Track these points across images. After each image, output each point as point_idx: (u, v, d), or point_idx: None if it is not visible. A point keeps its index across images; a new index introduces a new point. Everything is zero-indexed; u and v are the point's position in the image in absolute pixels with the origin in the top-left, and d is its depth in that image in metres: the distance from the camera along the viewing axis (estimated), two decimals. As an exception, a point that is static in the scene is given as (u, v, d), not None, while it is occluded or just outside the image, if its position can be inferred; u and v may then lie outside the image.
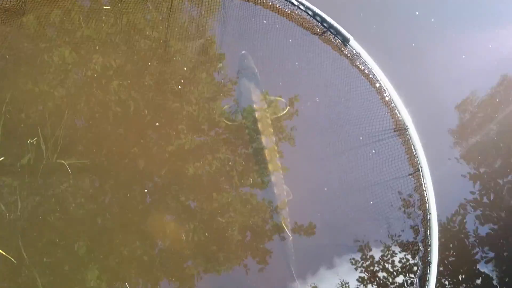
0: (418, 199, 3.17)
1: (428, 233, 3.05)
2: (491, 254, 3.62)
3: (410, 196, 3.25)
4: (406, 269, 3.26)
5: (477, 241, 3.65)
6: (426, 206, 3.11)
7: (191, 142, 3.46)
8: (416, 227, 3.18)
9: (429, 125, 3.55)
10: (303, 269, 3.23)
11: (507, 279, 3.59)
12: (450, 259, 3.57)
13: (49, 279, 3.08)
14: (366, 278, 3.26)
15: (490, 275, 3.58)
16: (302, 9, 3.53)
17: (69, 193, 3.26)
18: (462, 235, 3.65)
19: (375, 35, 3.86)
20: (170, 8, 3.68)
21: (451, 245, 3.62)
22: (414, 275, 3.21)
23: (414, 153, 3.21)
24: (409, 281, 3.23)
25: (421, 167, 3.17)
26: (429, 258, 2.99)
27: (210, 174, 3.39)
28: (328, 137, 3.52)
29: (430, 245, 3.01)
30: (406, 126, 3.25)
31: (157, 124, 3.45)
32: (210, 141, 3.49)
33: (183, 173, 3.37)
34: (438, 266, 3.03)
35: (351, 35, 3.42)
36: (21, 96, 3.43)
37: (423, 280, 2.98)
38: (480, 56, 4.09)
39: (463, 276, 3.55)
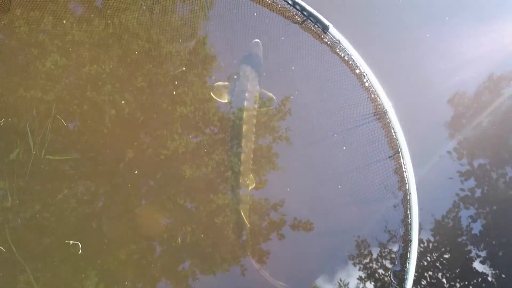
0: (398, 180, 3.27)
1: (409, 212, 3.15)
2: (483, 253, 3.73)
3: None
4: (387, 249, 3.37)
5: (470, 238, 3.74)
6: (406, 186, 3.20)
7: (187, 144, 3.50)
8: (397, 208, 3.28)
9: (409, 111, 3.63)
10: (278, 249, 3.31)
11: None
12: (445, 256, 3.68)
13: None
14: (347, 259, 3.37)
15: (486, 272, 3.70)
16: (282, -1, 3.59)
17: (64, 197, 3.30)
18: (458, 232, 3.74)
19: (354, 22, 3.92)
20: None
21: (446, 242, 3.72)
22: (395, 254, 3.32)
23: (394, 136, 3.30)
24: (390, 260, 3.35)
25: (400, 149, 3.26)
26: (409, 236, 3.09)
27: (206, 175, 3.43)
28: (307, 124, 3.60)
29: (410, 224, 3.11)
30: (386, 109, 3.33)
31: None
32: (206, 142, 3.54)
33: (179, 175, 3.41)
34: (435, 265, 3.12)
35: (331, 22, 3.49)
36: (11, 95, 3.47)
37: (404, 258, 3.09)
38: (460, 43, 4.17)
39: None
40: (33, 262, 3.16)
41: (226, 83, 3.68)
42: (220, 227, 3.34)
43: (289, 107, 3.68)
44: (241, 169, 3.38)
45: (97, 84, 3.52)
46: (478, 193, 3.86)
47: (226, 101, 3.62)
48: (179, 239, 3.26)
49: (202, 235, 3.28)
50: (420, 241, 3.58)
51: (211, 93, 3.59)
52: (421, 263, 3.56)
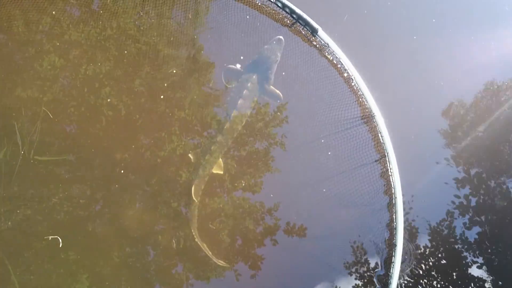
0: (384, 184, 3.27)
1: (394, 216, 3.15)
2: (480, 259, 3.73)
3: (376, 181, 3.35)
4: (371, 252, 3.37)
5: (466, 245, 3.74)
6: (392, 190, 3.20)
7: (185, 147, 3.48)
8: (383, 211, 3.28)
9: (396, 113, 3.64)
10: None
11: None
12: (442, 262, 3.68)
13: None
14: (331, 263, 3.37)
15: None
16: (271, 1, 3.59)
17: (59, 200, 3.27)
18: (452, 239, 3.74)
19: (344, 25, 3.92)
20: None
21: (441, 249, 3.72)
22: (380, 259, 3.32)
23: (381, 139, 3.30)
24: (374, 264, 3.35)
25: (387, 153, 3.27)
26: (394, 240, 3.09)
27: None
28: (294, 128, 3.60)
29: (395, 228, 3.11)
30: (373, 113, 3.34)
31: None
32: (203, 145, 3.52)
33: (174, 179, 3.40)
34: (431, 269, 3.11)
35: (320, 26, 3.50)
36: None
37: (388, 262, 3.09)
38: (451, 47, 4.18)
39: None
40: (22, 264, 3.14)
41: (238, 68, 3.63)
42: (215, 231, 3.32)
43: (285, 114, 3.67)
44: (212, 149, 3.35)
45: (79, 84, 3.51)
46: (473, 201, 3.88)
47: (230, 86, 3.59)
48: (174, 243, 3.25)
49: (196, 240, 3.25)
50: (416, 247, 3.59)
51: (222, 76, 3.56)
52: (416, 271, 3.56)
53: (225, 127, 3.39)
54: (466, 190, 3.88)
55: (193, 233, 3.22)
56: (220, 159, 3.39)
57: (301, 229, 3.39)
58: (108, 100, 3.49)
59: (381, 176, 3.31)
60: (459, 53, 4.19)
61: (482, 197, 3.90)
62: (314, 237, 3.39)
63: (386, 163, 3.26)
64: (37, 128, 3.38)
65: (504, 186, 3.96)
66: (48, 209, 3.23)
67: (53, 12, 3.60)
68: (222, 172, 3.38)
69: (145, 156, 3.42)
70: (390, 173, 3.24)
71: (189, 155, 3.40)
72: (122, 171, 3.35)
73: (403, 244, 3.11)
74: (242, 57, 3.71)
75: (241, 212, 3.40)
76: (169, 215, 3.31)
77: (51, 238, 3.14)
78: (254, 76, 3.54)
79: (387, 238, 3.21)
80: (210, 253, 3.20)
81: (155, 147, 3.43)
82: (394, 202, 3.16)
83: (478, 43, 4.22)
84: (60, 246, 3.13)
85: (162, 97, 3.52)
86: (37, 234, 3.17)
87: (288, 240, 3.37)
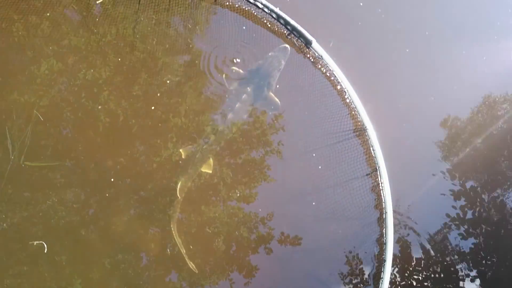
0: (375, 198, 3.25)
1: (384, 231, 3.12)
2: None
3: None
4: (361, 267, 3.33)
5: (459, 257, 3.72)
6: (382, 205, 3.18)
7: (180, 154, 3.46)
8: (373, 226, 3.25)
9: (389, 126, 3.62)
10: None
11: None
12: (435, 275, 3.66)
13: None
14: (319, 277, 3.33)
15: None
16: (266, 12, 3.60)
17: (52, 204, 3.24)
18: (447, 251, 3.72)
19: (338, 38, 3.92)
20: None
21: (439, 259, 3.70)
22: (369, 274, 3.29)
23: (373, 153, 3.29)
24: (364, 279, 3.31)
25: (378, 167, 3.25)
26: (384, 256, 3.06)
27: (197, 186, 3.39)
28: (286, 139, 3.58)
29: (385, 243, 3.08)
30: (365, 126, 3.32)
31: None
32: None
33: (170, 186, 3.37)
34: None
35: (315, 37, 3.50)
36: None
37: (377, 278, 3.06)
38: (444, 59, 4.18)
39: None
40: (11, 268, 3.11)
41: (241, 71, 3.60)
42: (210, 239, 3.29)
43: (282, 124, 3.65)
44: (204, 148, 3.34)
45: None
46: (468, 214, 3.87)
47: (231, 88, 3.57)
48: (168, 250, 3.22)
49: (191, 247, 3.23)
50: (409, 260, 3.55)
51: (224, 75, 3.54)
52: (409, 282, 3.52)
53: (219, 128, 3.38)
54: (461, 202, 3.86)
55: (172, 229, 3.19)
56: (211, 159, 3.37)
57: (295, 239, 3.37)
58: (99, 107, 3.48)
59: (372, 190, 3.28)
60: (452, 67, 4.19)
61: (477, 209, 3.88)
62: (304, 250, 3.37)
63: (378, 177, 3.24)
64: (27, 132, 3.36)
65: (499, 200, 3.94)
66: (41, 213, 3.20)
67: (48, 14, 3.58)
68: (210, 171, 3.34)
69: (140, 161, 3.39)
70: (381, 187, 3.22)
71: (180, 150, 3.38)
72: (116, 177, 3.33)
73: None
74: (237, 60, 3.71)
75: (235, 221, 3.38)
76: (164, 222, 3.27)
77: (36, 243, 3.11)
78: (255, 82, 3.54)
79: (376, 253, 3.17)
80: (184, 251, 3.16)
81: (150, 153, 3.41)
82: (384, 216, 3.13)
83: (470, 57, 4.23)
84: (45, 251, 3.10)
85: (153, 108, 3.51)
86: (30, 238, 3.14)
87: (281, 250, 3.35)
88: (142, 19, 3.72)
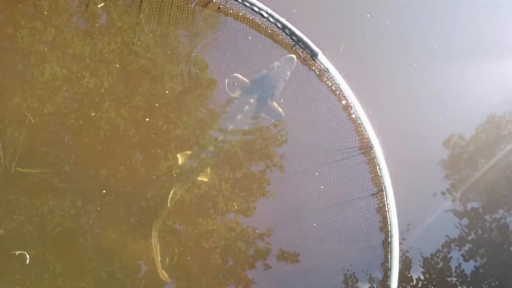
0: (380, 220, 3.08)
1: (389, 256, 2.95)
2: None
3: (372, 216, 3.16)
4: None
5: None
6: (388, 228, 3.01)
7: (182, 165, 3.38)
8: (377, 250, 3.08)
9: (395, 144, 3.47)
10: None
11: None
12: None
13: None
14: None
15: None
16: (271, 21, 3.48)
17: (49, 211, 3.17)
18: (448, 272, 3.59)
19: (345, 50, 3.78)
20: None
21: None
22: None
23: (379, 172, 3.13)
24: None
25: (385, 187, 3.09)
26: (388, 282, 2.88)
27: (197, 197, 3.31)
28: (292, 153, 3.44)
29: (390, 269, 2.91)
30: (372, 144, 3.17)
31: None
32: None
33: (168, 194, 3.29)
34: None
35: (321, 49, 3.37)
36: None
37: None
38: (452, 77, 4.05)
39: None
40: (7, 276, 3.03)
41: (245, 80, 3.49)
42: (207, 251, 3.20)
43: (285, 137, 3.53)
44: (202, 157, 3.31)
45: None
46: (470, 235, 3.73)
47: (234, 95, 3.47)
48: (166, 260, 3.14)
49: (188, 258, 3.15)
50: (408, 280, 3.39)
51: (226, 80, 3.44)
52: None
53: (219, 139, 3.30)
54: (464, 222, 3.74)
55: (152, 234, 3.13)
56: (209, 168, 3.29)
57: (294, 256, 3.25)
58: (93, 114, 3.37)
59: (377, 211, 3.12)
60: (460, 84, 4.06)
61: (479, 230, 3.76)
62: (302, 269, 3.23)
63: (383, 198, 3.08)
64: (21, 138, 3.27)
65: (502, 221, 3.81)
66: (38, 217, 3.13)
67: (45, 12, 3.49)
68: (206, 180, 3.29)
69: (140, 171, 3.31)
70: (387, 208, 3.06)
71: (178, 155, 3.30)
72: (114, 185, 3.26)
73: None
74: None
75: (233, 236, 3.30)
76: (163, 232, 3.19)
77: (18, 253, 3.02)
78: (259, 92, 3.44)
79: (381, 279, 3.00)
80: (159, 258, 3.10)
81: (149, 163, 3.33)
82: (390, 240, 2.96)
83: (479, 74, 4.10)
84: (27, 262, 3.00)
85: (147, 119, 3.39)
86: (26, 245, 3.07)
87: (279, 266, 3.24)
88: (145, 29, 3.62)
